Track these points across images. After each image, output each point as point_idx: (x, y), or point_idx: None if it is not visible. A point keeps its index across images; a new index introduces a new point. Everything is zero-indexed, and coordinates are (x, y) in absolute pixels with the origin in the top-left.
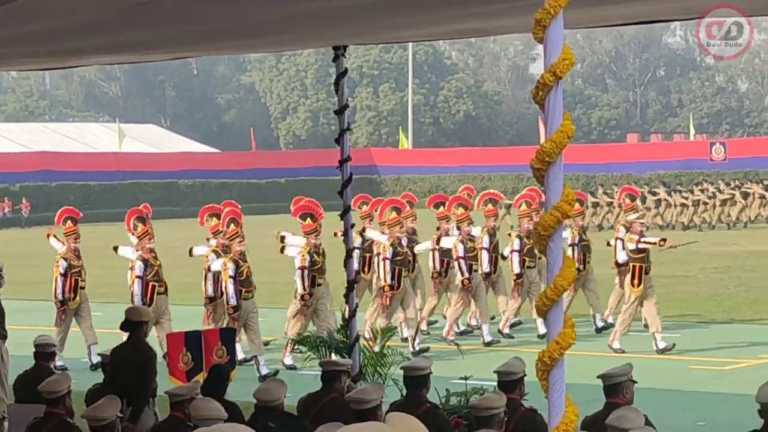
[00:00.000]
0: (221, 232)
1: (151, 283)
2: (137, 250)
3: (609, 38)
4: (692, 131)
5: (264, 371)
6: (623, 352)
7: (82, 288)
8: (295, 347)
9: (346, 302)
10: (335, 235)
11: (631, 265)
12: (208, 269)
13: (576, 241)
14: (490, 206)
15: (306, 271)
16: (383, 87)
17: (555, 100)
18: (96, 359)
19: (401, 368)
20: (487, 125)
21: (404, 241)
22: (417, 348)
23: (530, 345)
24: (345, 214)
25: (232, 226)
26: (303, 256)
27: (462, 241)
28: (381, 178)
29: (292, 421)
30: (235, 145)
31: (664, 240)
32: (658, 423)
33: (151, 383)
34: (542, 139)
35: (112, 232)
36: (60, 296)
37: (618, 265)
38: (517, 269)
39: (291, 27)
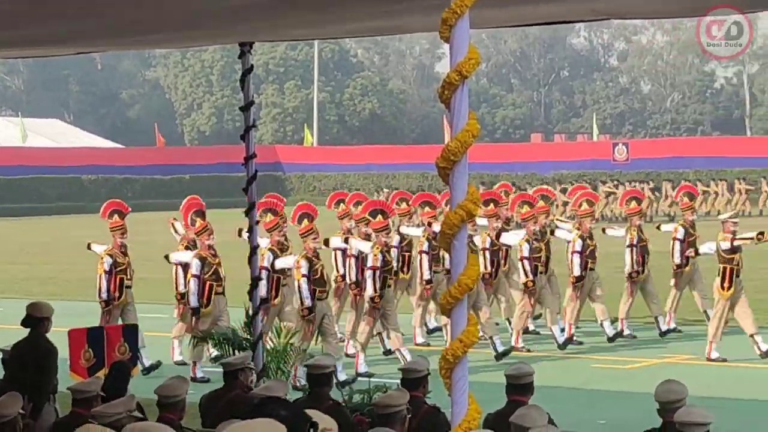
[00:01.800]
0: (278, 227)
1: (208, 282)
2: (187, 245)
3: (514, 38)
4: (595, 132)
5: (342, 377)
6: (725, 360)
7: (128, 287)
8: (197, 343)
9: (250, 299)
10: (240, 234)
11: (721, 266)
12: (262, 269)
13: (634, 242)
14: (542, 203)
15: (378, 272)
16: (289, 84)
17: (460, 99)
18: (147, 363)
19: (305, 366)
20: (393, 123)
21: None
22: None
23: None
24: (250, 211)
25: (305, 221)
26: (375, 255)
27: (528, 241)
28: (286, 176)
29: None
30: (140, 141)
31: (762, 233)
32: (560, 421)
33: (52, 379)
34: (447, 138)
35: (15, 227)
36: (104, 295)
37: (677, 266)
38: (577, 271)
39: (197, 23)
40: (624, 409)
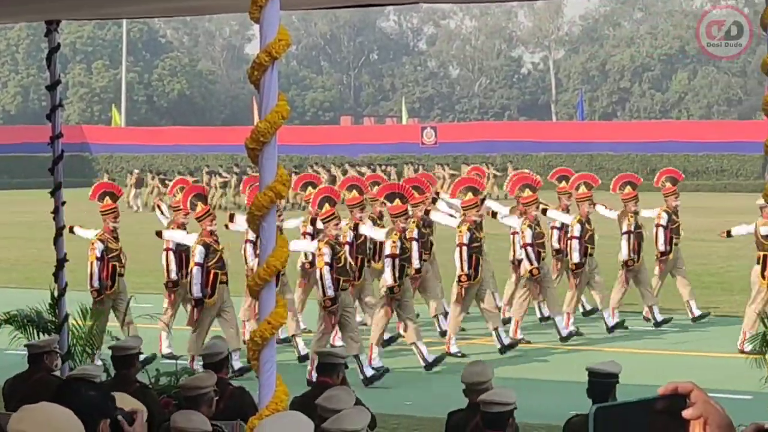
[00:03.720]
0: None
1: (213, 271)
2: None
3: (324, 21)
4: (404, 115)
5: (369, 372)
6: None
7: (121, 275)
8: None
9: (56, 281)
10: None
11: (760, 254)
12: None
13: (632, 229)
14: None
15: (397, 260)
16: (96, 64)
17: (270, 81)
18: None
19: (109, 348)
20: (202, 104)
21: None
22: (506, 343)
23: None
24: (56, 191)
25: (326, 206)
26: (394, 242)
27: (530, 226)
28: (93, 156)
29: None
30: None
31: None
32: (366, 403)
33: None
34: (257, 120)
35: None
36: (96, 284)
37: (661, 254)
38: (577, 258)
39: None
40: (431, 391)
